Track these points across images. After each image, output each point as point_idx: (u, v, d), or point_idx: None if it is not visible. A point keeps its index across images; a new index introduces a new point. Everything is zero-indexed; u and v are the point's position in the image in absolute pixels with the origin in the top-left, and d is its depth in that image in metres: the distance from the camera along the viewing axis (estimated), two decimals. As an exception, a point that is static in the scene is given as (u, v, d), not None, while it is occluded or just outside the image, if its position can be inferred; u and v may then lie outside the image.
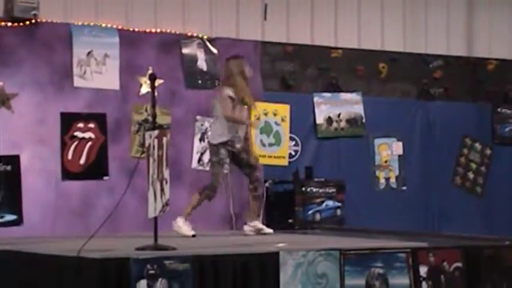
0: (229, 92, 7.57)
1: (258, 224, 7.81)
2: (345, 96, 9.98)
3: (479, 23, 10.83)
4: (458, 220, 10.15)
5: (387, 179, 10.12)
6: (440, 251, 6.45)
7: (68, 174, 8.48)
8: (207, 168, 9.04)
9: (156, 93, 6.25)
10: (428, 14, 10.57)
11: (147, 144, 5.98)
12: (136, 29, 8.88)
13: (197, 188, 9.11)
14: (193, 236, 7.39)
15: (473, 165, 10.62)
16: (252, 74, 7.88)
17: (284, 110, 9.55)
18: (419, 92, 10.51)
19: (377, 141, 10.12)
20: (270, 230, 7.82)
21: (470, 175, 10.60)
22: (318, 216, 9.22)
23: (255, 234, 7.69)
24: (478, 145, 10.66)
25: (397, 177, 10.16)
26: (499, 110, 10.78)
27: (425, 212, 10.23)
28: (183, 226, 7.50)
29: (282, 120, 9.56)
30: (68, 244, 6.18)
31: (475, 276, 6.50)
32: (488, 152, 10.70)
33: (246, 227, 7.84)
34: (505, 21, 10.93)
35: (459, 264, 6.44)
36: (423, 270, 6.30)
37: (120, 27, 8.81)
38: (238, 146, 7.65)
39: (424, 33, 10.55)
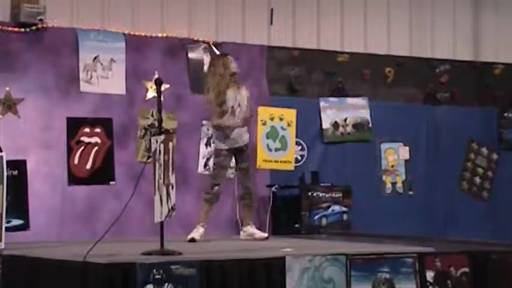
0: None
1: (250, 228, 7.72)
2: (351, 100, 9.97)
3: (485, 27, 10.81)
4: (465, 225, 10.12)
5: (393, 184, 10.10)
6: (447, 256, 6.44)
7: (74, 179, 8.48)
8: (213, 173, 9.05)
9: (162, 98, 6.26)
10: (435, 19, 10.56)
11: (153, 149, 5.98)
12: (142, 34, 8.89)
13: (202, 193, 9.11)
14: (192, 239, 7.35)
15: (480, 170, 10.59)
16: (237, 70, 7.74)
17: (290, 114, 9.54)
18: (426, 96, 10.49)
19: (383, 146, 10.11)
20: (263, 235, 7.69)
21: (477, 180, 10.58)
22: (324, 221, 9.20)
23: (251, 239, 7.62)
24: (484, 150, 10.63)
25: (403, 182, 10.14)
26: (505, 114, 10.75)
27: (432, 217, 10.20)
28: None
29: (288, 124, 9.55)
30: (74, 249, 6.18)
31: (481, 282, 6.48)
32: (494, 156, 10.67)
33: (241, 233, 7.82)
34: (512, 25, 10.93)
35: (466, 270, 6.42)
36: (430, 275, 6.28)
37: (126, 32, 8.82)
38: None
39: (430, 37, 10.53)
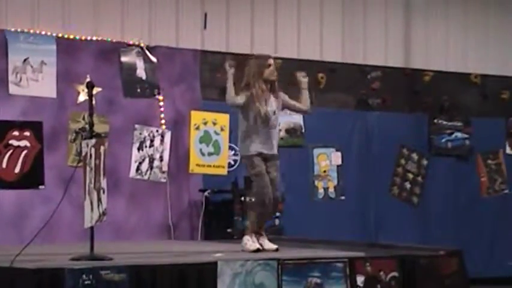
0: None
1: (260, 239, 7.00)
2: (284, 106, 10.00)
3: (416, 35, 10.99)
4: (395, 230, 10.24)
5: (326, 189, 10.18)
6: (377, 260, 6.51)
7: (2, 183, 8.31)
8: (145, 178, 9.00)
9: (93, 102, 6.19)
10: (367, 26, 10.69)
11: (84, 153, 5.91)
12: (74, 37, 8.78)
13: (135, 198, 9.03)
14: (257, 250, 6.72)
15: (410, 176, 10.75)
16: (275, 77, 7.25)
17: (223, 119, 9.54)
18: (358, 102, 10.60)
19: (316, 151, 10.18)
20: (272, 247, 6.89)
21: (407, 185, 10.72)
22: (256, 226, 9.20)
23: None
24: (415, 155, 10.79)
25: (335, 187, 10.22)
26: (435, 120, 10.93)
27: (363, 222, 10.30)
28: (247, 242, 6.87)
29: (222, 129, 9.55)
30: (1, 254, 6.06)
31: (410, 286, 6.57)
32: (424, 162, 10.84)
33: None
34: (441, 33, 11.12)
35: (395, 274, 6.51)
36: (360, 279, 6.35)
37: (57, 34, 8.69)
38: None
39: (362, 44, 10.65)
